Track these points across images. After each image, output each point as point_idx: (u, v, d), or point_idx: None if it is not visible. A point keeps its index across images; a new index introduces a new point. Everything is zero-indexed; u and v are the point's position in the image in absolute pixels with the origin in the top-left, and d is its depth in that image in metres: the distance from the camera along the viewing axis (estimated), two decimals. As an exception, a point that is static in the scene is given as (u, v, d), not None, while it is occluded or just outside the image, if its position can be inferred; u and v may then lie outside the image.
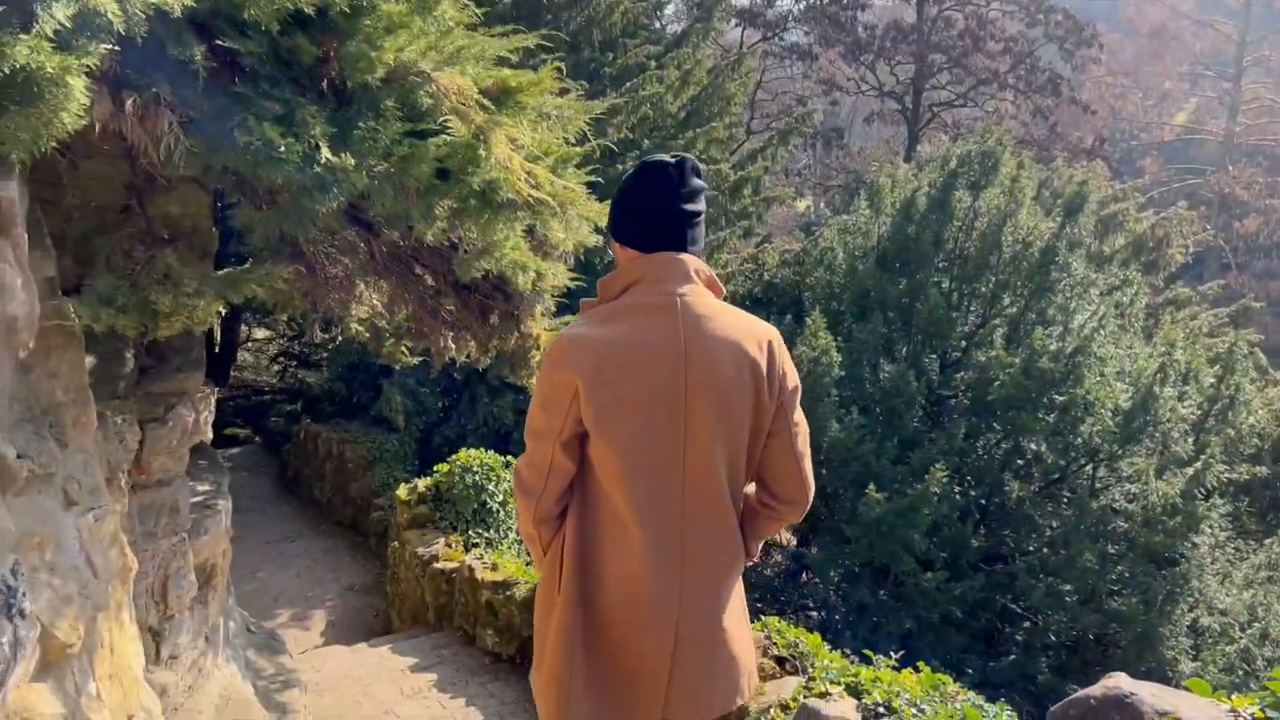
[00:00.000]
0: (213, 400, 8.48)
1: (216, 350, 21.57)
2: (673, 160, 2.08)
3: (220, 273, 2.60)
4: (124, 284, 2.36)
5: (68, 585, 2.26)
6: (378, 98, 2.52)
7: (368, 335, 5.54)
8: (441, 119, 2.61)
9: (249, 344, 23.17)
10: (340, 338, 12.96)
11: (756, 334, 2.09)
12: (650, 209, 2.08)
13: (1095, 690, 2.27)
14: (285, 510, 13.52)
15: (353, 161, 2.43)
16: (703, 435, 2.03)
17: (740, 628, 2.19)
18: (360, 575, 11.02)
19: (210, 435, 8.51)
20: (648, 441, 2.01)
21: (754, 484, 2.23)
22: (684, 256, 2.09)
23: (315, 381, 18.78)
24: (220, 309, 2.47)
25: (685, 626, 2.06)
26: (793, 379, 2.16)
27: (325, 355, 17.67)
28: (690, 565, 2.06)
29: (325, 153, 2.37)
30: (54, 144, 1.91)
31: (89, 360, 4.10)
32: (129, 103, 2.12)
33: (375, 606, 10.22)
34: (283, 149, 2.32)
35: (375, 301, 4.92)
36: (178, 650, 4.56)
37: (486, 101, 2.73)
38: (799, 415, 2.19)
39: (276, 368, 21.88)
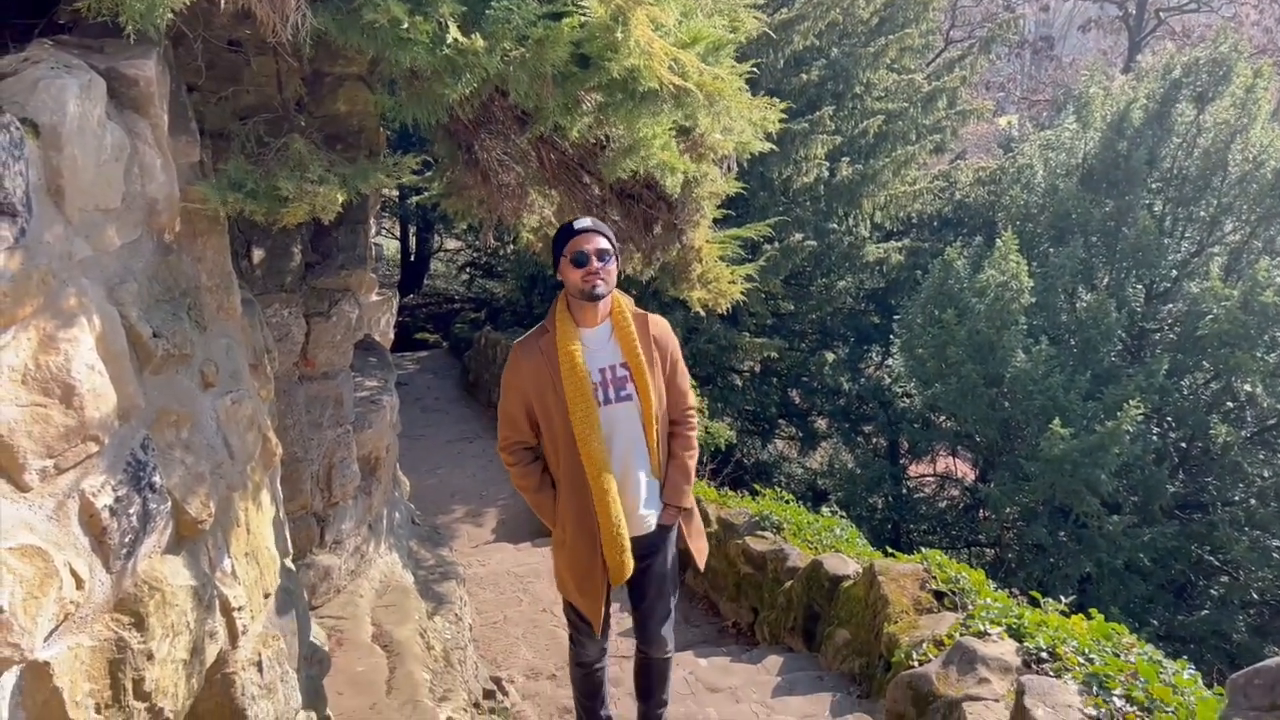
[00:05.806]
0: (394, 304, 8.78)
1: (412, 259, 22.61)
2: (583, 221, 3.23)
3: (348, 162, 2.56)
4: (256, 169, 2.35)
5: (201, 463, 2.31)
6: (512, -26, 2.38)
7: (539, 245, 5.55)
8: (579, -2, 2.45)
9: (441, 253, 24.09)
10: (512, 246, 13.16)
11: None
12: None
13: (1287, 658, 1.96)
14: (465, 412, 14.06)
15: (483, 44, 2.32)
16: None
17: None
18: (530, 478, 11.33)
19: (391, 337, 8.84)
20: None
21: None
22: None
23: (500, 291, 19.36)
24: (342, 197, 2.43)
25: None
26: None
27: (508, 266, 18.12)
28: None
29: (454, 32, 2.26)
30: (170, 15, 1.87)
31: (258, 253, 4.25)
32: (254, -23, 2.07)
33: (543, 509, 10.49)
34: (409, 28, 2.23)
35: (546, 210, 4.94)
36: (341, 536, 4.77)
37: (630, -21, 2.54)
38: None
39: (464, 277, 22.69)
